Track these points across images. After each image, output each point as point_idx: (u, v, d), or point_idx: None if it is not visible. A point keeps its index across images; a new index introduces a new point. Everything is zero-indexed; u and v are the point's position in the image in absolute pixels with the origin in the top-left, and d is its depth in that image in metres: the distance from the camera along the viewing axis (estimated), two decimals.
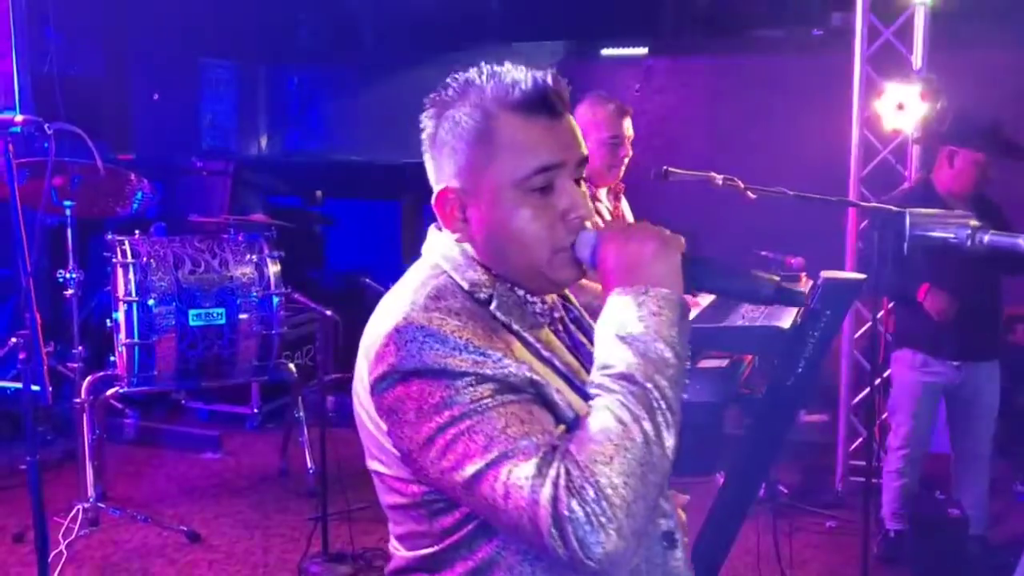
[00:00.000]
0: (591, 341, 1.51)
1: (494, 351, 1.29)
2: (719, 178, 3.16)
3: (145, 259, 4.52)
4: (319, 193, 7.55)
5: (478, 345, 1.28)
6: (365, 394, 1.37)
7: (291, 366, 5.05)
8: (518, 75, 1.40)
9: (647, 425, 1.23)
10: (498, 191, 1.39)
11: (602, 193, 3.51)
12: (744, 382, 2.71)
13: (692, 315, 2.52)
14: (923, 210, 1.37)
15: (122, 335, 4.49)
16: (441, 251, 1.46)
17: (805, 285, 2.86)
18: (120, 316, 4.51)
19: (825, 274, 2.58)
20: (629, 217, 3.68)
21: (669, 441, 1.25)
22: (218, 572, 4.12)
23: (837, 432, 5.21)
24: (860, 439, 5.17)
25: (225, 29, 7.50)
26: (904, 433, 4.21)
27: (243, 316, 4.64)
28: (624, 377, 1.26)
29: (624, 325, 1.29)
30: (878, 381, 4.70)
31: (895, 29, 4.94)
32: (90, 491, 4.42)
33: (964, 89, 4.70)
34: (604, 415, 1.24)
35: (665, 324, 1.29)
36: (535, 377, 1.31)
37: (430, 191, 1.47)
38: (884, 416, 5.02)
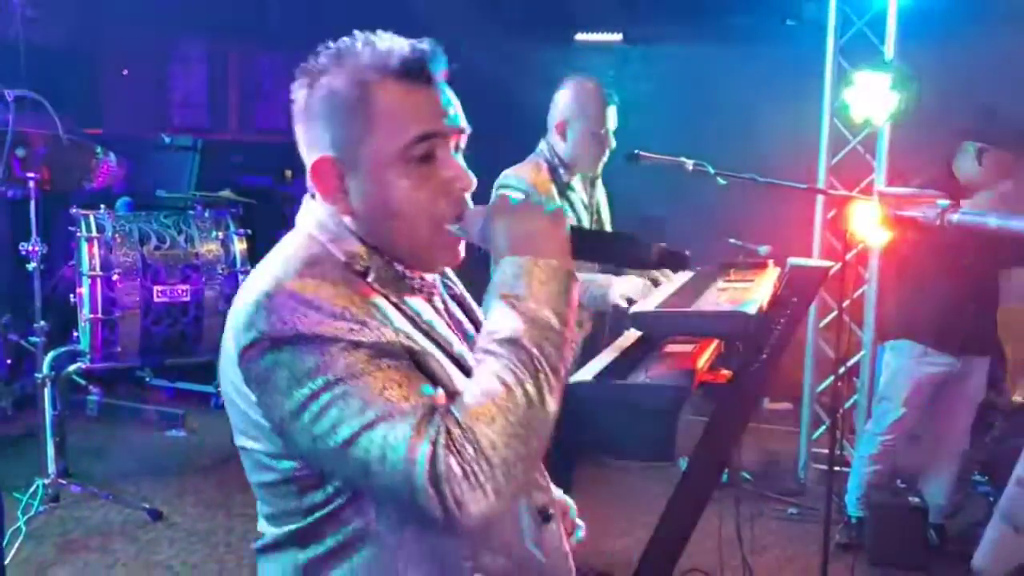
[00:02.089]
0: (472, 321, 1.56)
1: (371, 319, 1.27)
2: (689, 163, 3.16)
3: (110, 234, 4.47)
4: (288, 172, 7.50)
5: (355, 312, 1.26)
6: (232, 366, 1.32)
7: None
8: (395, 43, 1.37)
9: (531, 388, 1.22)
10: (378, 161, 1.35)
11: (576, 181, 3.44)
12: (708, 367, 2.71)
13: (659, 300, 2.54)
14: (894, 190, 1.37)
15: (86, 310, 4.44)
16: (316, 221, 1.41)
17: (772, 272, 2.87)
18: (84, 291, 4.46)
19: (792, 261, 2.60)
20: (604, 206, 3.64)
21: (552, 406, 1.25)
22: (180, 551, 4.09)
23: (800, 420, 5.26)
24: (823, 427, 5.22)
25: (196, 6, 7.41)
26: (892, 421, 4.22)
27: (208, 293, 4.60)
28: (510, 342, 1.25)
29: (513, 293, 1.29)
30: (842, 370, 4.74)
31: (868, 19, 4.96)
32: (51, 467, 4.38)
33: (936, 81, 4.73)
34: (488, 378, 1.23)
35: (553, 293, 1.29)
36: (413, 346, 1.30)
37: None
38: (849, 404, 5.07)
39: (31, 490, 4.27)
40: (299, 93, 1.40)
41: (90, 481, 4.60)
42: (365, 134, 1.35)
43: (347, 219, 1.40)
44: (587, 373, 2.42)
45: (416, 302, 1.41)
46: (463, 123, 1.41)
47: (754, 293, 2.48)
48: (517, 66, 6.86)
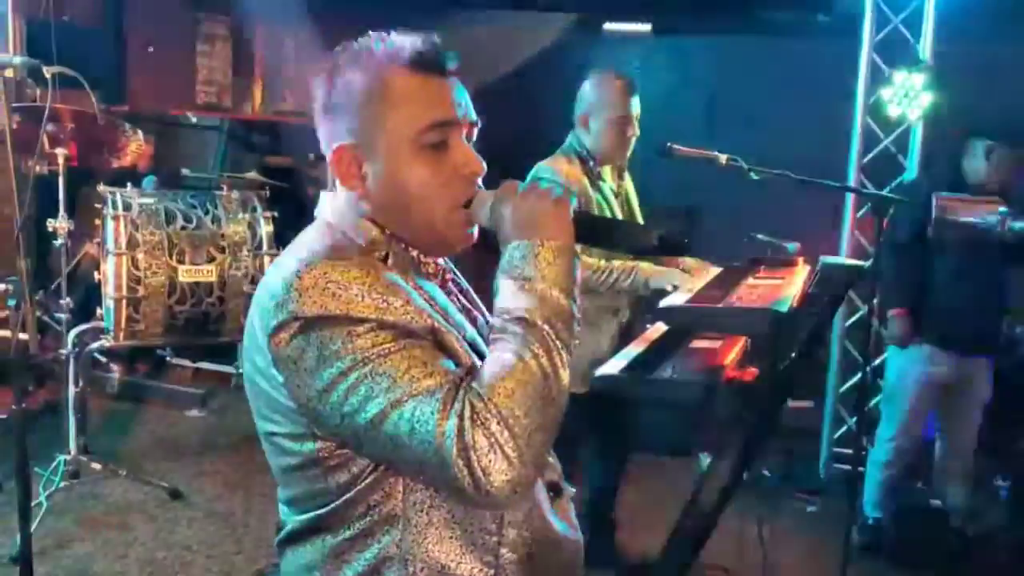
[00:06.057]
0: (478, 311, 1.66)
1: (395, 299, 1.33)
2: (723, 158, 3.14)
3: (136, 212, 4.46)
4: (312, 155, 7.49)
5: (380, 293, 1.32)
6: (258, 348, 1.38)
7: None
8: (407, 38, 1.44)
9: (545, 362, 1.29)
10: (394, 146, 1.43)
11: (606, 171, 3.49)
12: (736, 365, 2.69)
13: (688, 294, 2.51)
14: (950, 194, 1.34)
15: (110, 288, 4.43)
16: (335, 212, 1.50)
17: (803, 270, 2.84)
18: (108, 268, 4.45)
19: (824, 259, 2.57)
20: (633, 195, 3.65)
21: (565, 379, 1.31)
22: (198, 530, 4.10)
23: (822, 419, 5.22)
24: (845, 427, 5.19)
25: None
26: (897, 424, 4.21)
27: (234, 274, 4.59)
28: (523, 320, 1.32)
29: (522, 274, 1.35)
30: (868, 369, 4.71)
31: (904, 17, 4.90)
32: (72, 443, 4.40)
33: (972, 81, 4.68)
34: (505, 354, 1.30)
35: (560, 273, 1.36)
36: (435, 325, 1.37)
37: None
38: (870, 405, 5.03)
39: (52, 466, 4.29)
40: (318, 92, 1.49)
41: (110, 459, 4.61)
42: (382, 121, 1.43)
43: (364, 206, 1.47)
44: (613, 367, 2.40)
45: (430, 287, 1.49)
46: (474, 117, 1.49)
47: (785, 291, 2.45)
48: (544, 56, 6.83)
